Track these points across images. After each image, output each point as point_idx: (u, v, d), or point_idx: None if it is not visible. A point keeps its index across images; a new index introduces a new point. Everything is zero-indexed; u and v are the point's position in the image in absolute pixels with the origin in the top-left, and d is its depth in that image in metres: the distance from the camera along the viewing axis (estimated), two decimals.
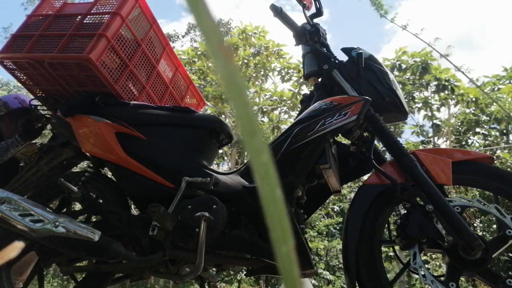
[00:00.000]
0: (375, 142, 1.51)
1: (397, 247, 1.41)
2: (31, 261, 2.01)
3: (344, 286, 1.36)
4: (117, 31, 1.62)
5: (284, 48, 9.30)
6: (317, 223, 10.38)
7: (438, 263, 8.04)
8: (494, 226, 7.28)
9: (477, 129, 9.24)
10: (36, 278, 1.70)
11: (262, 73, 9.54)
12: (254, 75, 9.44)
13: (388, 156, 1.53)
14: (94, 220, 1.65)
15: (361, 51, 1.56)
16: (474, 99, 8.73)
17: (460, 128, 9.35)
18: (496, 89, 9.00)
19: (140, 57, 1.77)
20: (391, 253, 7.73)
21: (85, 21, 1.67)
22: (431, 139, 9.38)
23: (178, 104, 2.03)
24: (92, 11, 1.70)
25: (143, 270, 1.46)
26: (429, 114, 9.17)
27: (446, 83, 8.54)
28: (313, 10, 1.71)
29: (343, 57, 1.62)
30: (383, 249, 6.15)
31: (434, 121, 9.18)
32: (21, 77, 1.73)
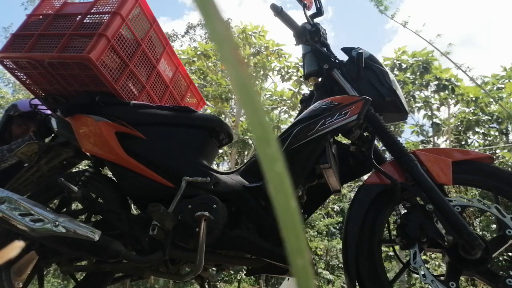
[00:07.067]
0: (375, 141, 1.51)
1: (397, 247, 1.41)
2: (30, 261, 2.01)
3: (344, 285, 1.36)
4: (117, 30, 1.62)
5: (284, 48, 9.30)
6: (317, 222, 10.38)
7: (437, 263, 8.05)
8: (494, 225, 7.28)
9: (477, 129, 9.24)
10: (36, 278, 1.70)
11: (262, 72, 9.54)
12: (254, 74, 9.44)
13: (388, 155, 1.53)
14: (94, 220, 1.65)
15: (361, 50, 1.56)
16: (474, 98, 8.73)
17: (460, 128, 9.35)
18: (495, 88, 8.99)
19: (140, 57, 1.77)
20: (391, 253, 7.73)
21: (85, 21, 1.66)
22: (431, 138, 9.38)
23: (178, 103, 2.03)
24: (92, 11, 1.69)
25: (143, 269, 1.45)
26: (429, 113, 9.17)
27: (447, 83, 8.54)
28: (313, 9, 1.71)
29: (343, 57, 1.62)
30: (383, 248, 6.15)
31: (434, 121, 9.18)
32: (21, 77, 1.73)
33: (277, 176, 0.20)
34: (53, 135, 1.83)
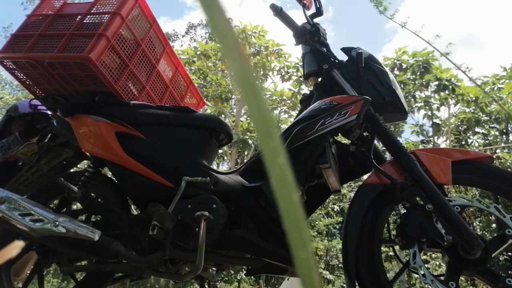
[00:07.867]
0: (375, 141, 1.51)
1: (397, 247, 1.41)
2: (28, 261, 2.01)
3: (344, 285, 1.36)
4: (117, 30, 1.62)
5: (284, 48, 9.30)
6: (317, 222, 10.38)
7: (437, 263, 8.05)
8: (494, 225, 7.28)
9: (477, 129, 9.24)
10: (36, 278, 1.70)
11: (261, 72, 9.54)
12: (256, 69, 9.42)
13: (388, 155, 1.53)
14: (94, 220, 1.65)
15: (361, 50, 1.56)
16: (474, 98, 8.73)
17: (460, 128, 9.35)
18: (495, 88, 8.99)
19: (140, 57, 1.77)
20: (391, 253, 7.73)
21: (85, 21, 1.67)
22: (431, 138, 9.38)
23: (178, 103, 2.03)
24: (92, 11, 1.70)
25: (143, 269, 1.46)
26: (429, 113, 9.17)
27: (447, 83, 8.54)
28: (313, 9, 1.71)
29: (343, 57, 1.62)
30: (383, 248, 6.14)
31: (434, 120, 9.18)
32: (21, 77, 1.73)
33: (279, 169, 0.20)
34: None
